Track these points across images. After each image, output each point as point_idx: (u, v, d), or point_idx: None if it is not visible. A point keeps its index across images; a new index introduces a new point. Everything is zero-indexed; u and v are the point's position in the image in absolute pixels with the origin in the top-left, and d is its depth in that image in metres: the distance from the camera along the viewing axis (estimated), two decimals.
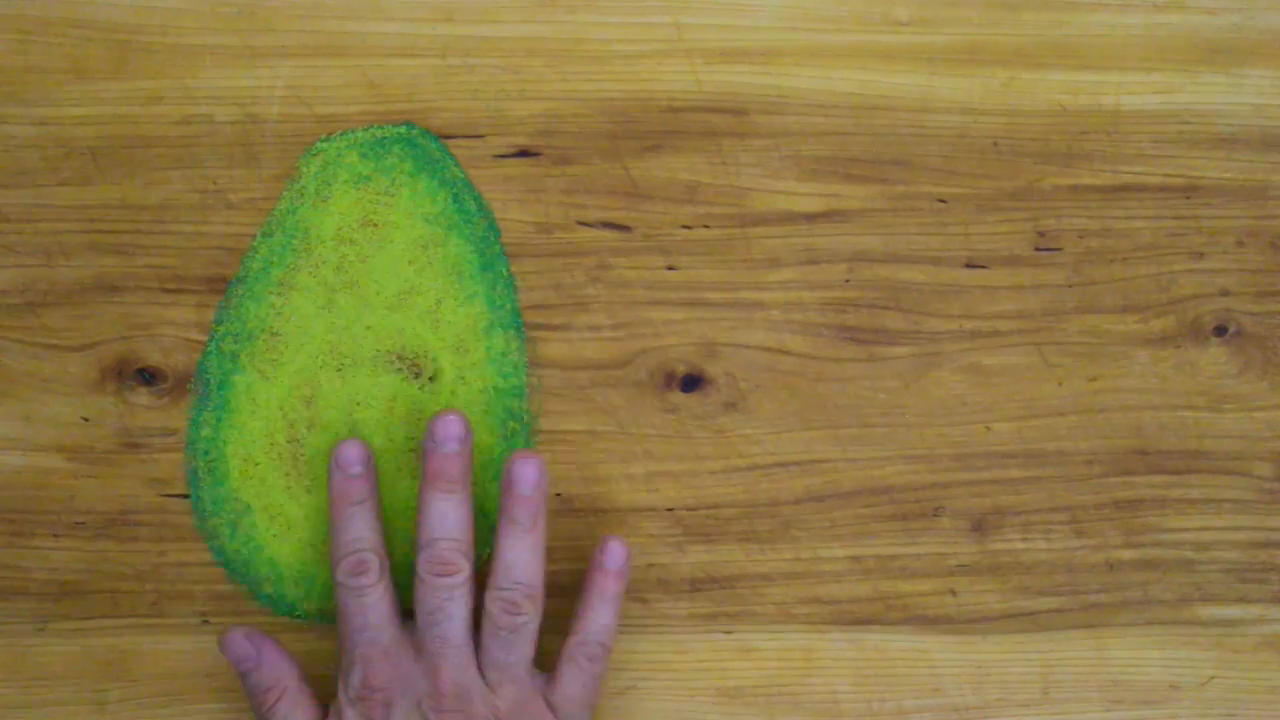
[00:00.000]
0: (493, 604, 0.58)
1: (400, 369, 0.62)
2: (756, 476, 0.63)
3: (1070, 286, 0.63)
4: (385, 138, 0.62)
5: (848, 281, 0.63)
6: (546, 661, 0.61)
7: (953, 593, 0.63)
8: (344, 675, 0.58)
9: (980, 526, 0.63)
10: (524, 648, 0.58)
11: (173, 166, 0.61)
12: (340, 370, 0.62)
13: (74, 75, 0.61)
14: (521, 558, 0.58)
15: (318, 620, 0.62)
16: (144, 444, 0.62)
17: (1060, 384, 0.63)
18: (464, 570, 0.58)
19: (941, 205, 0.63)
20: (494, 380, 0.62)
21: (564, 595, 0.62)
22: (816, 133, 0.62)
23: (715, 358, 0.63)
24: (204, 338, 0.62)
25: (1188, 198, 0.63)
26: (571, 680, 0.59)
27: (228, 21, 0.61)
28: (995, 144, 0.63)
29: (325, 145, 0.62)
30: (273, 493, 0.62)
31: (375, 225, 0.62)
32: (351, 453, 0.59)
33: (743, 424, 0.63)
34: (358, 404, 0.62)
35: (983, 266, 0.63)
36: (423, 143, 0.62)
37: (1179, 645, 0.64)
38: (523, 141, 0.62)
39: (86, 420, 0.62)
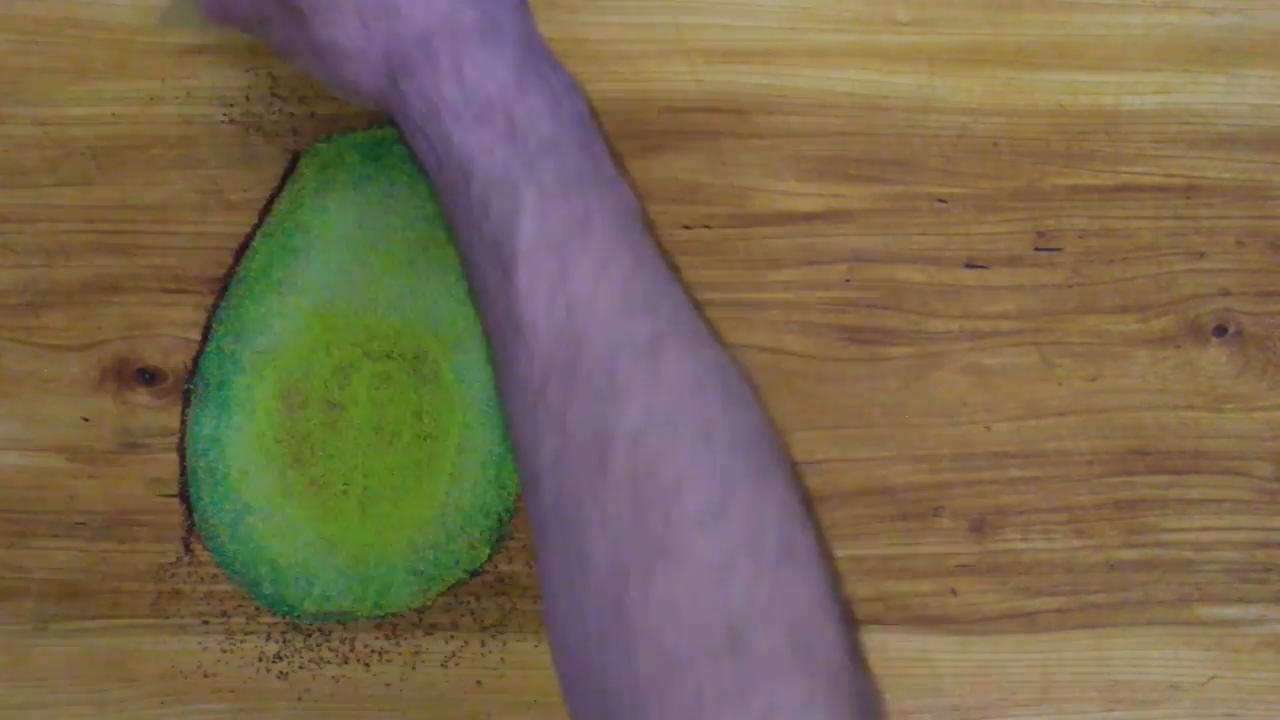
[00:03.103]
0: None
1: (400, 369, 0.62)
2: None
3: (1070, 286, 0.63)
4: (385, 138, 0.62)
5: (848, 281, 0.63)
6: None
7: (953, 593, 0.63)
8: None
9: (980, 526, 0.63)
10: None
11: (173, 166, 0.61)
12: (340, 370, 0.62)
13: (74, 75, 0.61)
14: None
15: (317, 620, 0.62)
16: (144, 444, 0.62)
17: (1060, 384, 0.63)
18: None
19: (941, 205, 0.63)
20: (494, 380, 0.62)
21: None
22: (816, 133, 0.62)
23: None
24: (204, 338, 0.62)
25: (1188, 198, 0.63)
26: None
27: None
28: (995, 144, 0.62)
29: (325, 145, 0.62)
30: (272, 493, 0.62)
31: (375, 227, 0.62)
32: None
33: None
34: (358, 404, 0.62)
35: (983, 266, 0.63)
36: None
37: (1179, 645, 0.64)
38: None
39: (86, 420, 0.62)
